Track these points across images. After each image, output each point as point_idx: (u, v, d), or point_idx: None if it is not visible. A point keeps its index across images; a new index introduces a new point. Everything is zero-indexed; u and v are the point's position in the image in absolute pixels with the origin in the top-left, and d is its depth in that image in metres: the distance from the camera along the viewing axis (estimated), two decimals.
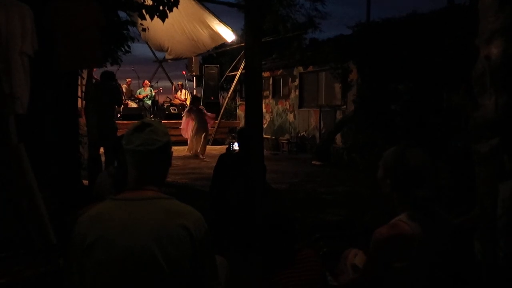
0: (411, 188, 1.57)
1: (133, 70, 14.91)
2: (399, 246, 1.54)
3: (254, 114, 4.19)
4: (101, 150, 6.19)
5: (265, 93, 13.18)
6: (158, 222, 1.36)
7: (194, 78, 15.74)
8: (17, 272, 2.53)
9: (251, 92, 4.25)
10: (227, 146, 6.25)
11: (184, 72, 16.56)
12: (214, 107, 14.10)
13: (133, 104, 13.51)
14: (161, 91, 14.75)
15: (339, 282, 1.88)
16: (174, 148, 1.57)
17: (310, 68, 11.74)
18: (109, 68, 7.03)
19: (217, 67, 14.86)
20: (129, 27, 6.15)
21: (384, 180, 1.65)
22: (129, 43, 6.25)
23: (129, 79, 14.54)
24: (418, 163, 1.58)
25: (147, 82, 14.57)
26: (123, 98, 13.40)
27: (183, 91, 14.97)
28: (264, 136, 10.46)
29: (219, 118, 13.56)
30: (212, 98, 14.42)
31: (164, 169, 1.52)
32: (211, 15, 12.39)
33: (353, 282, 1.74)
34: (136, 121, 1.53)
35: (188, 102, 14.88)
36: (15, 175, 2.82)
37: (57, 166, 4.28)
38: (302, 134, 11.88)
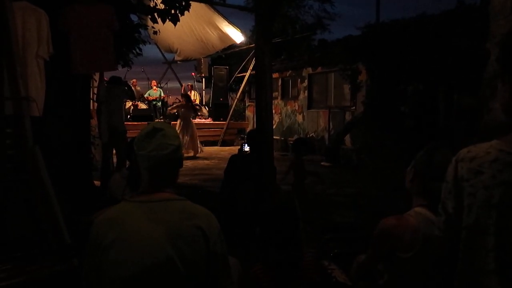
0: (430, 180, 1.65)
1: (142, 71, 15.04)
2: (403, 236, 1.60)
3: (264, 115, 4.23)
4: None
5: (274, 94, 13.19)
6: (174, 223, 1.39)
7: (203, 79, 15.82)
8: (32, 271, 2.58)
9: (261, 93, 4.29)
10: (238, 147, 6.26)
11: (193, 74, 16.66)
12: (223, 108, 14.16)
13: (142, 105, 13.61)
14: (168, 98, 14.88)
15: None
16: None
17: (319, 69, 11.73)
18: (120, 70, 7.12)
19: (226, 68, 14.91)
20: (140, 29, 6.22)
21: (410, 170, 1.76)
22: (140, 46, 6.32)
23: (134, 80, 14.53)
24: (444, 160, 1.64)
25: (155, 82, 14.65)
26: (135, 98, 13.53)
27: (193, 92, 15.05)
28: (273, 137, 10.46)
29: (228, 119, 13.61)
30: (221, 99, 14.49)
31: (176, 171, 1.55)
32: (220, 16, 12.43)
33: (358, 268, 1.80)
34: (145, 122, 1.56)
35: (197, 102, 15.00)
36: (31, 176, 2.88)
37: (70, 167, 4.34)
38: (311, 135, 11.86)
